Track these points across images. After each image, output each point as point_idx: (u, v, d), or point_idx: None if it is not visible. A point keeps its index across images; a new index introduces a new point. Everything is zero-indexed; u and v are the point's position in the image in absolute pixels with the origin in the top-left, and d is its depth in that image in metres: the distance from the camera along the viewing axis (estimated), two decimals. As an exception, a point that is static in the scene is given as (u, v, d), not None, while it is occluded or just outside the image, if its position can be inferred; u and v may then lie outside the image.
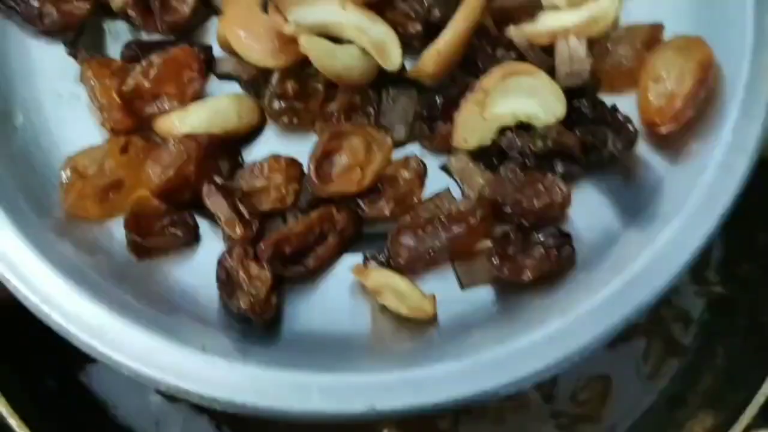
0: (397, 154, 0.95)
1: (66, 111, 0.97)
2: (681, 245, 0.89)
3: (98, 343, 0.84)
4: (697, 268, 1.23)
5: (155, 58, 0.94)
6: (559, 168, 0.93)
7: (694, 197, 0.90)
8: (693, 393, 1.18)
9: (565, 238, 0.91)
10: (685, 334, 1.22)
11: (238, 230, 0.89)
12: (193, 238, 0.93)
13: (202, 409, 1.16)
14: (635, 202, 0.94)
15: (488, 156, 0.95)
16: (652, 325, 1.22)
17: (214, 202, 0.90)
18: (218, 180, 0.92)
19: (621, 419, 1.20)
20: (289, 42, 0.92)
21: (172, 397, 1.13)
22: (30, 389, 1.10)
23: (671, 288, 0.88)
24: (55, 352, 0.99)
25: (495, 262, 0.90)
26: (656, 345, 1.21)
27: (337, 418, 0.84)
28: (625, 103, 0.95)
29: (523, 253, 0.90)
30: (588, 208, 0.94)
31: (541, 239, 0.91)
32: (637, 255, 0.88)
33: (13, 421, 0.99)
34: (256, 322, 0.88)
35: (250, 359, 0.85)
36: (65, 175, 0.91)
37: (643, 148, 0.95)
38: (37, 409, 1.08)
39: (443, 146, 0.96)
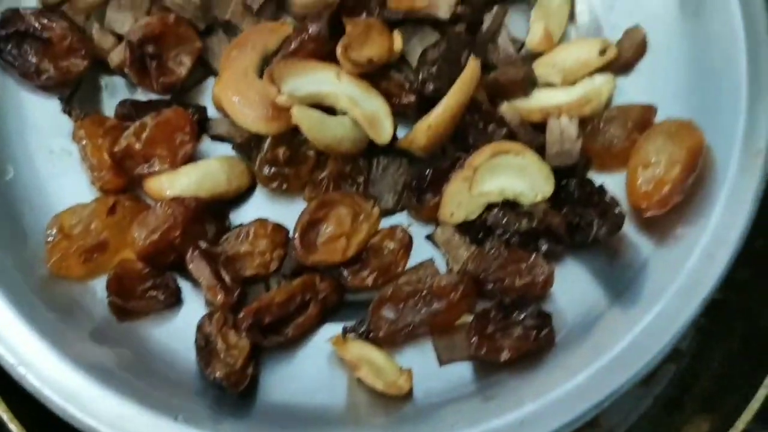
0: (385, 223, 0.96)
1: (57, 167, 0.97)
2: (660, 331, 0.89)
3: (72, 407, 0.85)
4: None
5: (148, 120, 0.94)
6: (544, 246, 0.93)
7: (677, 283, 0.90)
8: (689, 397, 1.16)
9: (545, 319, 0.91)
10: (681, 338, 1.21)
11: (219, 297, 0.90)
12: (174, 302, 0.93)
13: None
14: (619, 282, 0.94)
15: (474, 229, 0.95)
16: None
17: (197, 267, 0.91)
18: (202, 244, 0.92)
19: (618, 424, 1.18)
20: (281, 109, 0.93)
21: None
22: (30, 396, 1.10)
23: (648, 373, 0.88)
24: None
25: (473, 342, 0.90)
26: (652, 349, 1.20)
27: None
28: (616, 180, 0.96)
29: (502, 332, 0.90)
30: (571, 286, 0.94)
31: (521, 318, 0.90)
32: (619, 338, 0.88)
33: (13, 426, 0.98)
34: (230, 392, 0.88)
35: (222, 430, 0.85)
36: (50, 233, 0.92)
37: (629, 229, 0.95)
38: (38, 416, 1.07)
39: (430, 217, 0.96)
